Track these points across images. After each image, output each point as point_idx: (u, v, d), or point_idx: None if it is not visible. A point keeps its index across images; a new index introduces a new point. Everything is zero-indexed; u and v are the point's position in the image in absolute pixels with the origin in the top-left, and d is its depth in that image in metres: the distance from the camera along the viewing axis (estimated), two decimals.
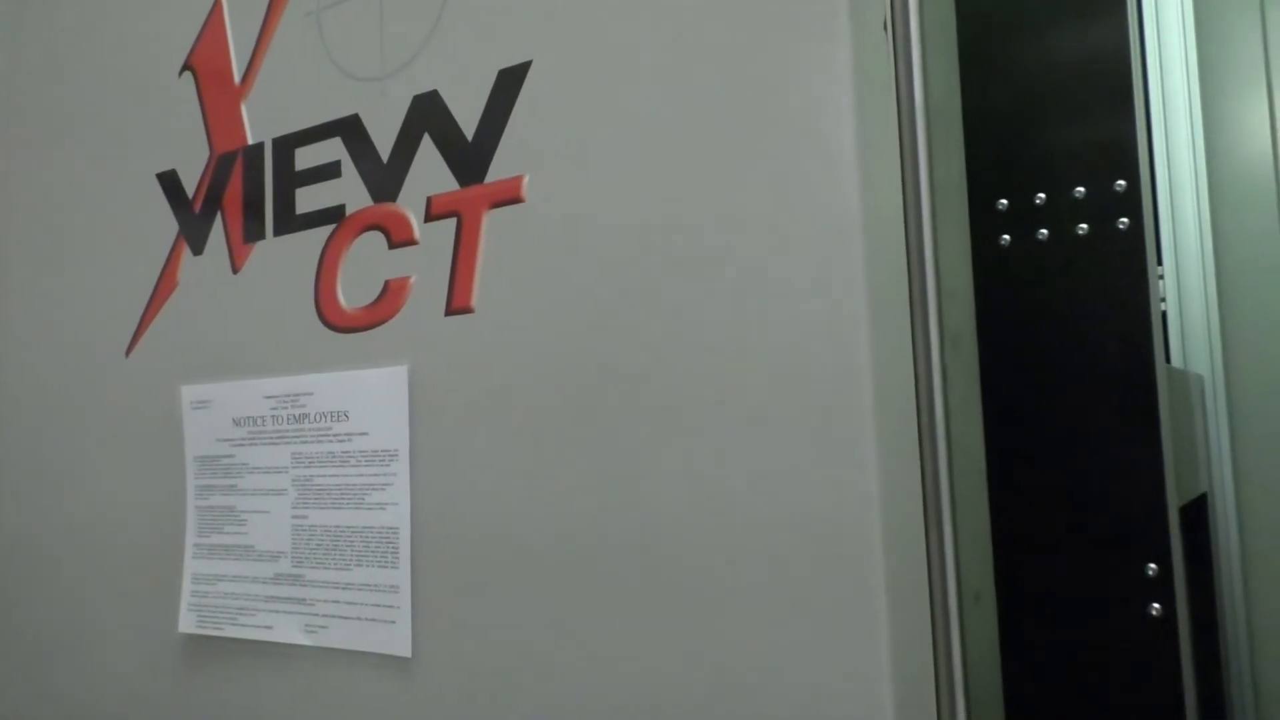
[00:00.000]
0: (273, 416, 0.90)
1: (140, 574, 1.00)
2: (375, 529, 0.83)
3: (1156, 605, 0.88)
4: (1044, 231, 0.94)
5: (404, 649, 0.81)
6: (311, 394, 0.87)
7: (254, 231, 0.93)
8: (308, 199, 0.89)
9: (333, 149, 0.87)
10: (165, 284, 0.99)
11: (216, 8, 0.97)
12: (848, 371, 0.64)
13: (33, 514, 1.10)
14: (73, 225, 1.08)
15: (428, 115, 0.82)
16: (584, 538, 0.72)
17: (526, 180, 0.76)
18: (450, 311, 0.80)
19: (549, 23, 0.76)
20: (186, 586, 0.95)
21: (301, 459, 0.87)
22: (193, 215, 0.97)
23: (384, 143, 0.84)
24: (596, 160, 0.73)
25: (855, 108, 0.65)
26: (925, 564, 0.72)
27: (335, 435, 0.86)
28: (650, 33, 0.72)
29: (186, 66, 0.99)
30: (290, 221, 0.90)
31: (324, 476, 0.86)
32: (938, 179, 0.81)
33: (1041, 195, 0.94)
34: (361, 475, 0.84)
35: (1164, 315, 1.41)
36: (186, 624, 0.95)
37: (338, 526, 0.85)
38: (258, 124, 0.93)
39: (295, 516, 0.88)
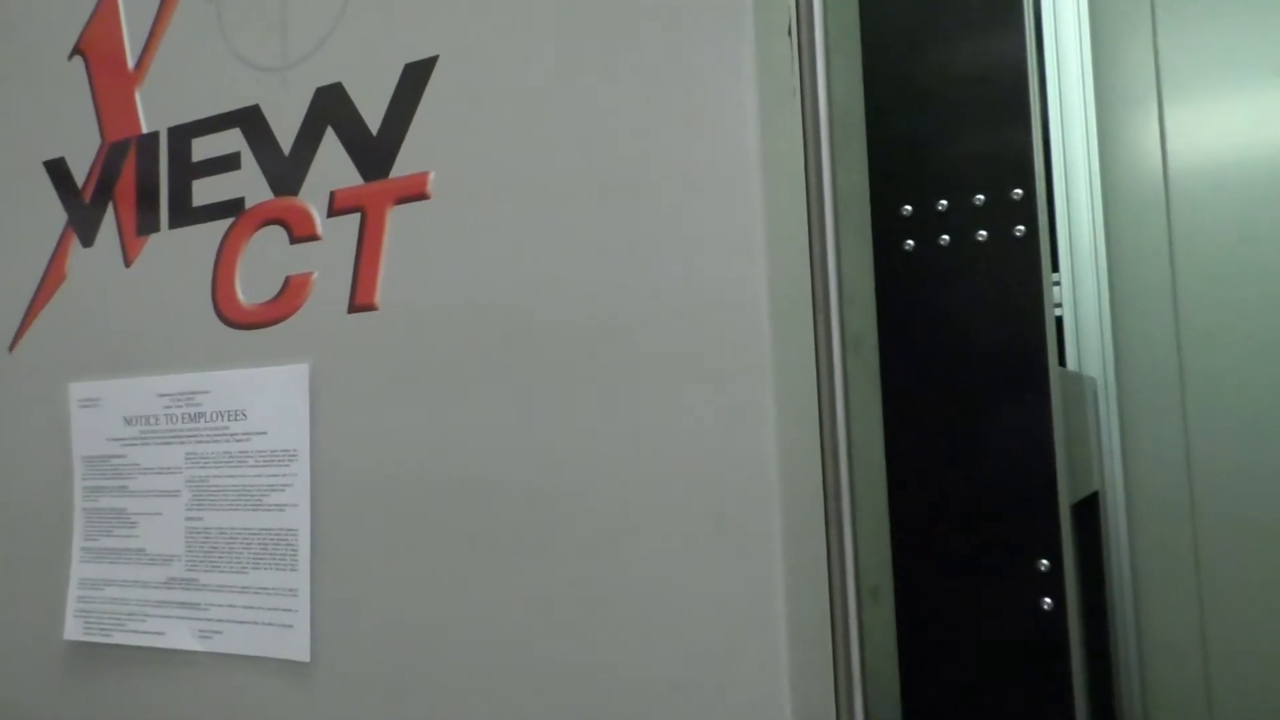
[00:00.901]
0: (166, 415, 0.87)
1: (23, 579, 0.95)
2: (273, 531, 0.81)
3: (1048, 600, 0.91)
4: (945, 237, 0.96)
5: (302, 654, 0.79)
6: (208, 392, 0.85)
7: (148, 223, 0.89)
8: (205, 191, 0.86)
9: (231, 140, 0.85)
10: (52, 276, 0.95)
11: None
12: (749, 373, 0.65)
13: None
14: None
15: (331, 108, 0.80)
16: (484, 537, 0.72)
17: (432, 177, 0.75)
18: (353, 309, 0.78)
19: (456, 18, 0.75)
20: (73, 592, 0.91)
21: (196, 459, 0.85)
22: (82, 205, 0.94)
23: (285, 135, 0.82)
24: (501, 158, 0.73)
25: (759, 112, 0.66)
26: (825, 562, 0.74)
27: (232, 435, 0.83)
28: (556, 33, 0.71)
29: (77, 51, 0.95)
30: (186, 214, 0.87)
31: (220, 477, 0.83)
32: (841, 184, 0.82)
33: (944, 202, 0.96)
34: (260, 476, 0.82)
35: (1059, 320, 1.46)
36: (72, 631, 0.91)
37: (234, 528, 0.82)
38: (152, 112, 0.90)
39: (190, 518, 0.85)
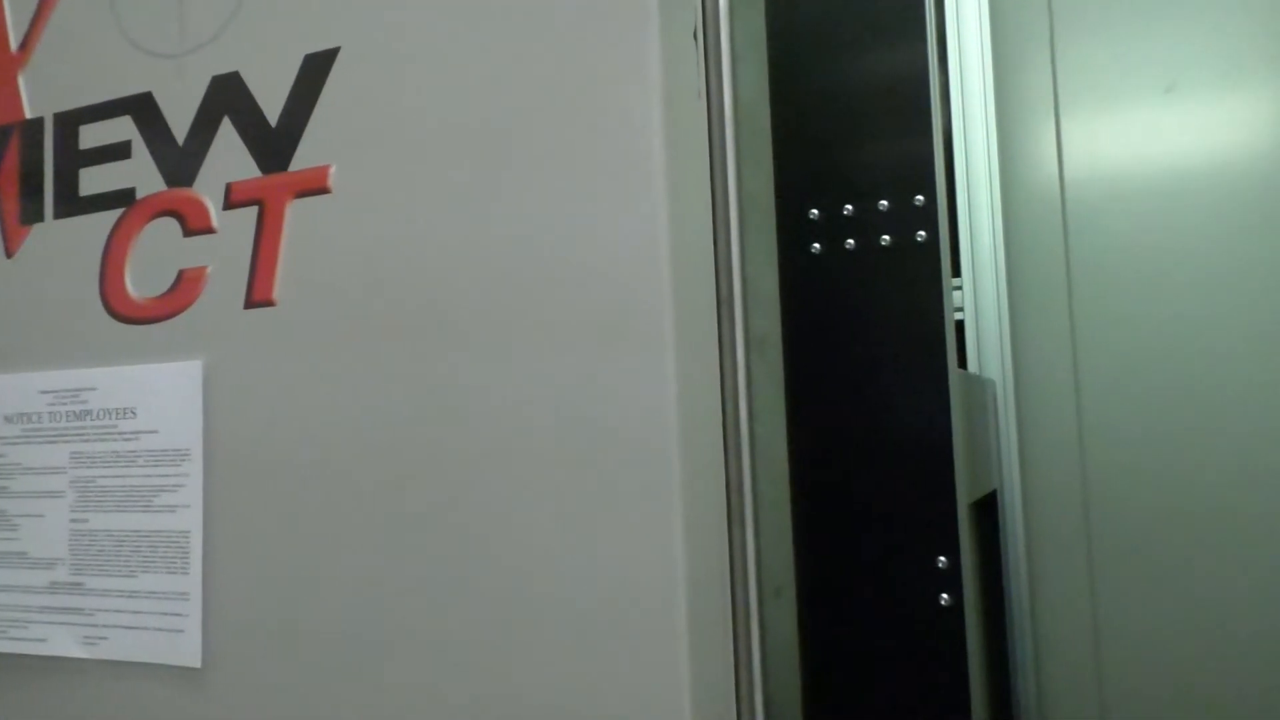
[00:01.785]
0: (50, 413, 0.83)
1: None
2: (164, 533, 0.78)
3: (946, 595, 0.93)
4: (851, 241, 0.98)
5: (193, 659, 0.76)
6: (95, 389, 0.81)
7: (31, 213, 0.85)
8: (93, 180, 0.83)
9: (122, 128, 0.82)
10: None
11: None
12: (652, 373, 0.65)
13: None
14: None
15: (228, 97, 0.78)
16: (389, 541, 0.70)
17: (333, 170, 0.74)
18: (250, 304, 0.76)
19: (359, 10, 0.74)
20: None
21: (82, 459, 0.81)
22: None
23: (180, 124, 0.80)
24: (404, 154, 0.72)
25: (664, 114, 0.66)
26: (728, 561, 0.74)
27: (121, 433, 0.80)
28: (462, 28, 0.71)
29: None
30: (73, 203, 0.84)
31: (108, 478, 0.80)
32: (747, 187, 0.83)
33: (849, 207, 0.98)
34: (150, 476, 0.79)
35: (961, 324, 1.50)
36: None
37: (122, 531, 0.79)
38: (37, 96, 0.86)
39: (74, 520, 0.81)
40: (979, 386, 1.42)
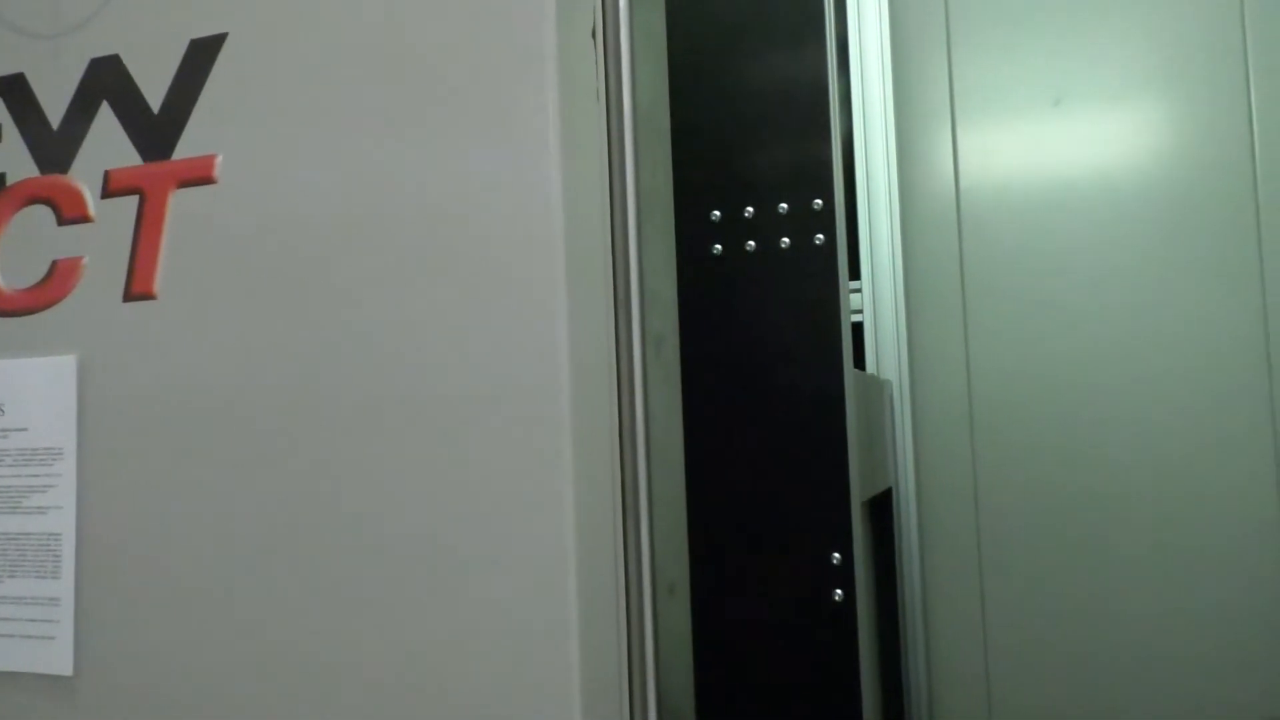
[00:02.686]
0: None
1: None
2: (34, 535, 0.74)
3: (839, 591, 0.95)
4: (751, 243, 1.00)
5: (65, 667, 0.73)
6: None
7: None
8: None
9: None
10: None
11: None
12: (546, 372, 0.65)
13: None
14: None
15: (107, 81, 0.75)
16: (265, 544, 0.69)
17: (219, 160, 0.71)
18: (129, 297, 0.73)
19: None
20: None
21: None
22: None
23: (55, 108, 0.76)
24: (294, 144, 0.70)
25: (560, 112, 0.66)
26: (622, 559, 0.75)
27: None
28: (355, 19, 0.69)
29: None
30: None
31: None
32: (645, 187, 0.84)
33: (750, 209, 1.00)
34: (19, 476, 0.75)
35: (860, 325, 1.54)
36: None
37: None
38: None
39: None
40: (876, 387, 1.45)
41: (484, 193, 0.65)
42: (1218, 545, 1.52)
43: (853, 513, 0.97)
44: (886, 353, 1.52)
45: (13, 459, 0.75)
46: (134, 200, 0.73)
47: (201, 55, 0.72)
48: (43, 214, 0.76)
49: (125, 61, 0.74)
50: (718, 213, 1.01)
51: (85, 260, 0.74)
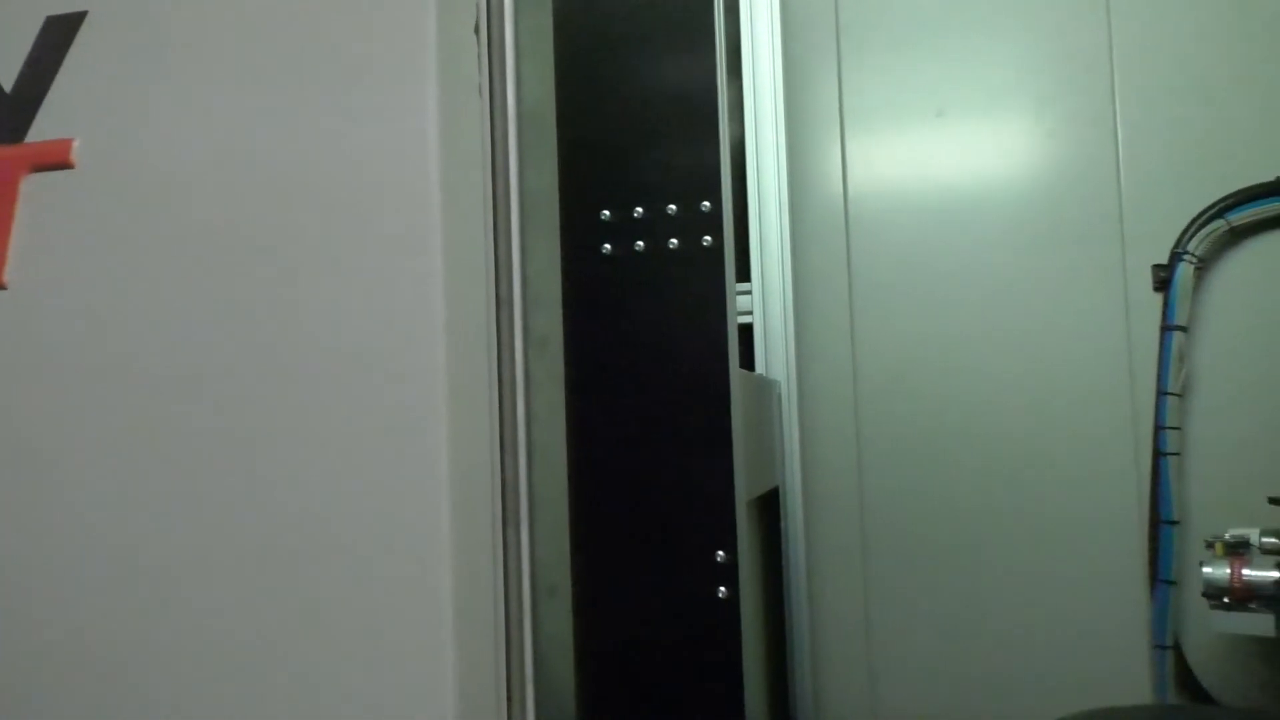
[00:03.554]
0: None
1: None
2: None
3: (723, 589, 0.96)
4: (641, 243, 1.00)
5: None
6: None
7: None
8: None
9: None
10: None
11: None
12: (422, 372, 0.63)
13: None
14: None
15: None
16: (122, 545, 0.65)
17: (77, 144, 0.68)
18: None
19: None
20: None
21: None
22: None
23: None
24: (160, 130, 0.67)
25: (440, 106, 0.65)
26: (501, 562, 0.74)
27: None
28: (227, 3, 0.67)
29: None
30: None
31: None
32: (530, 185, 0.83)
33: (640, 209, 1.00)
34: None
35: (749, 327, 1.56)
36: None
37: None
38: None
39: None
40: (765, 387, 1.48)
41: (358, 188, 0.64)
42: (1083, 542, 1.60)
43: (737, 512, 0.98)
44: (775, 354, 1.55)
45: None
46: None
47: (59, 33, 0.68)
48: None
49: None
50: (607, 212, 1.01)
51: None
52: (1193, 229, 1.55)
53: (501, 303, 0.75)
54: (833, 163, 1.73)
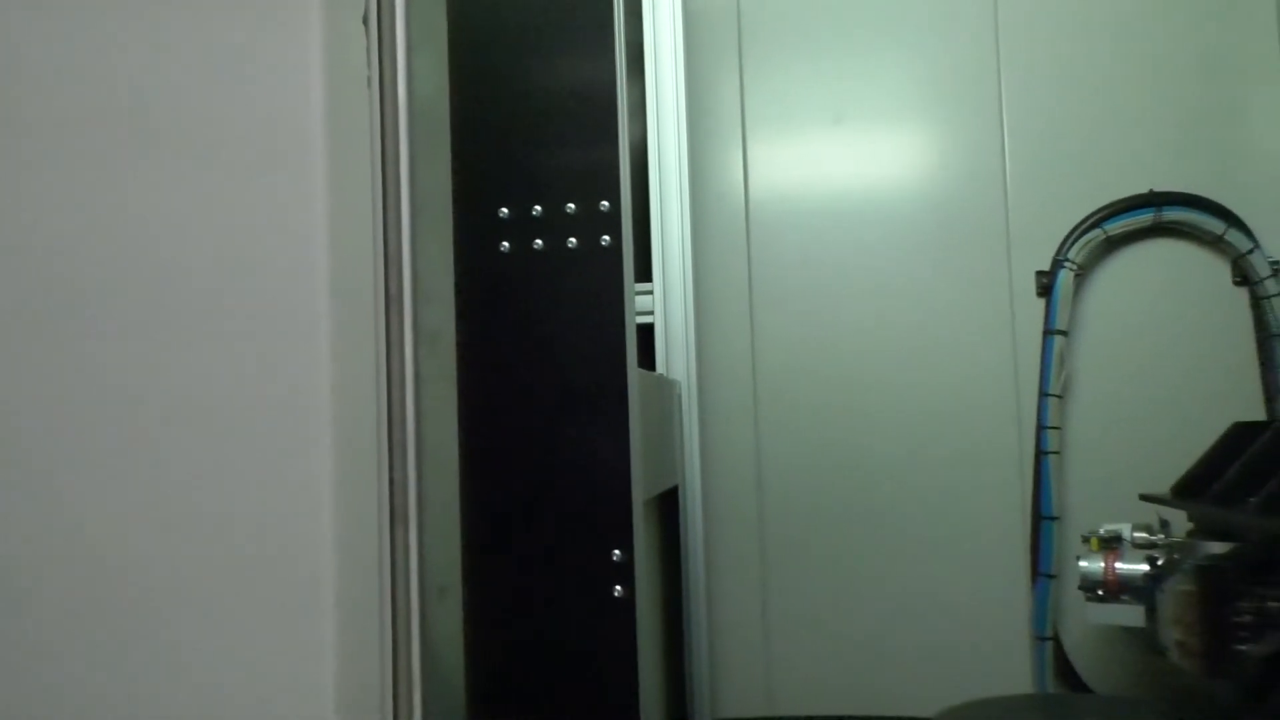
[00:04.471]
0: None
1: None
2: None
3: (619, 588, 0.97)
4: (539, 242, 1.00)
5: None
6: None
7: None
8: None
9: None
10: None
11: None
12: (305, 369, 0.62)
13: None
14: None
15: None
16: (8, 544, 0.62)
17: None
18: None
19: None
20: None
21: None
22: None
23: None
24: (30, 133, 0.64)
25: (326, 99, 0.64)
26: (389, 561, 0.73)
27: None
28: None
29: None
30: None
31: None
32: (423, 181, 0.82)
33: (538, 208, 1.00)
34: None
35: (651, 327, 1.57)
36: None
37: None
38: None
39: None
40: (665, 386, 1.49)
41: (238, 182, 0.62)
42: (970, 536, 1.66)
43: (635, 510, 0.99)
44: (676, 353, 1.56)
45: None
46: None
47: None
48: None
49: None
50: (505, 210, 1.00)
51: None
52: (1073, 237, 1.62)
53: (391, 298, 0.74)
54: (734, 165, 1.75)
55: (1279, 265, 1.57)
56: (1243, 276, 1.59)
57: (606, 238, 0.99)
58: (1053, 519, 1.61)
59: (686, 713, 1.51)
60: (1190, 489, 1.32)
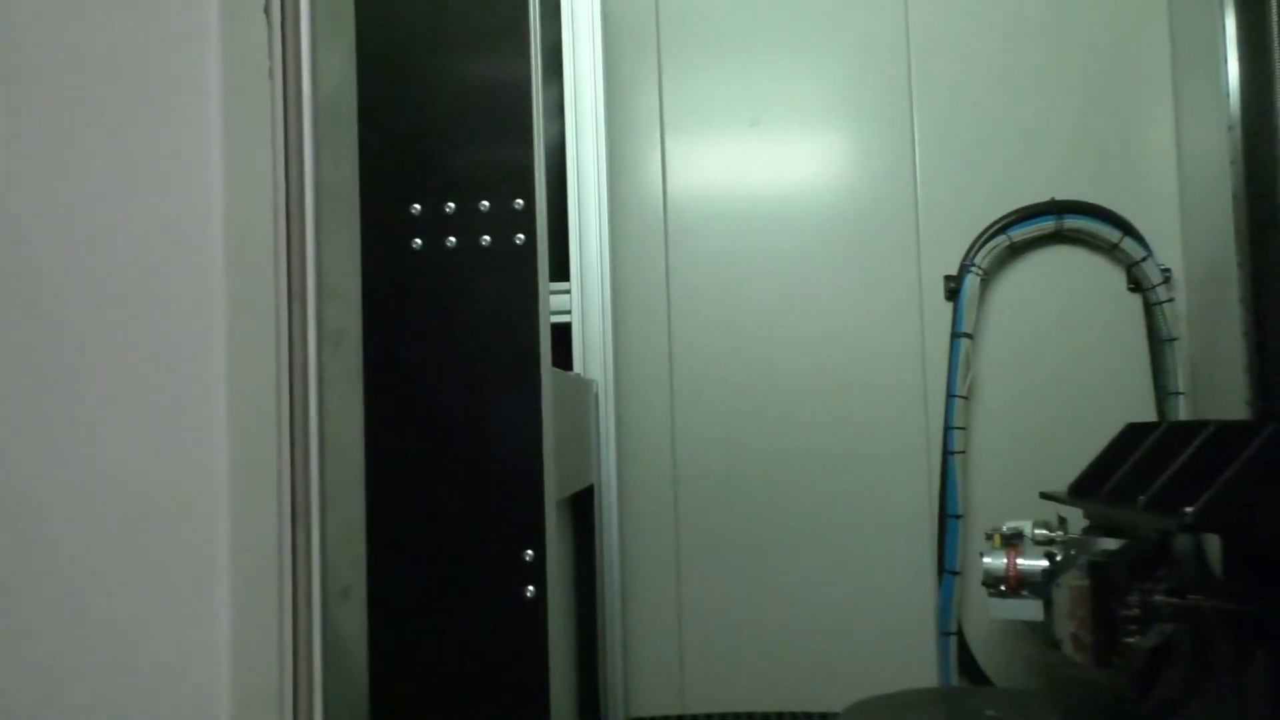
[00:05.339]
0: None
1: None
2: None
3: (531, 588, 0.96)
4: (453, 239, 0.99)
5: None
6: None
7: None
8: None
9: None
10: None
11: None
12: (199, 368, 0.60)
13: None
14: None
15: None
16: None
17: None
18: None
19: None
20: None
21: None
22: None
23: None
24: None
25: (224, 89, 0.62)
26: (290, 562, 0.71)
27: None
28: None
29: None
30: None
31: None
32: (329, 176, 0.81)
33: (452, 205, 0.99)
34: None
35: (568, 326, 1.57)
36: None
37: None
38: None
39: None
40: (581, 386, 1.49)
41: (127, 170, 0.60)
42: (880, 534, 1.70)
43: (546, 510, 0.99)
44: (593, 353, 1.56)
45: None
46: None
47: None
48: None
49: None
50: (418, 206, 0.99)
51: None
52: (979, 243, 1.68)
53: (294, 295, 0.72)
54: (653, 166, 1.76)
55: (1169, 272, 1.64)
56: (1136, 283, 1.66)
57: (521, 236, 0.99)
58: (958, 517, 1.65)
59: (600, 712, 1.51)
60: (1086, 487, 1.37)
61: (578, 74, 1.56)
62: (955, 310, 1.67)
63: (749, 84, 1.75)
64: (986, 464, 1.68)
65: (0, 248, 0.60)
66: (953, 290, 1.69)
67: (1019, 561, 1.41)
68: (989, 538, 1.46)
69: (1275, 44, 1.35)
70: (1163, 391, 1.63)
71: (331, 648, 0.76)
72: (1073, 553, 1.32)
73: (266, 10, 0.68)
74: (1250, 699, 1.07)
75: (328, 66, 0.79)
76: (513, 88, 1.00)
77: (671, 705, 1.69)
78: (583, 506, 1.51)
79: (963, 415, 1.67)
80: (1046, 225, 1.66)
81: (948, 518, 1.66)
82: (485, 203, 1.00)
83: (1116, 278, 1.68)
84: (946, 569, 1.65)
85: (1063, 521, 1.43)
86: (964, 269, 1.68)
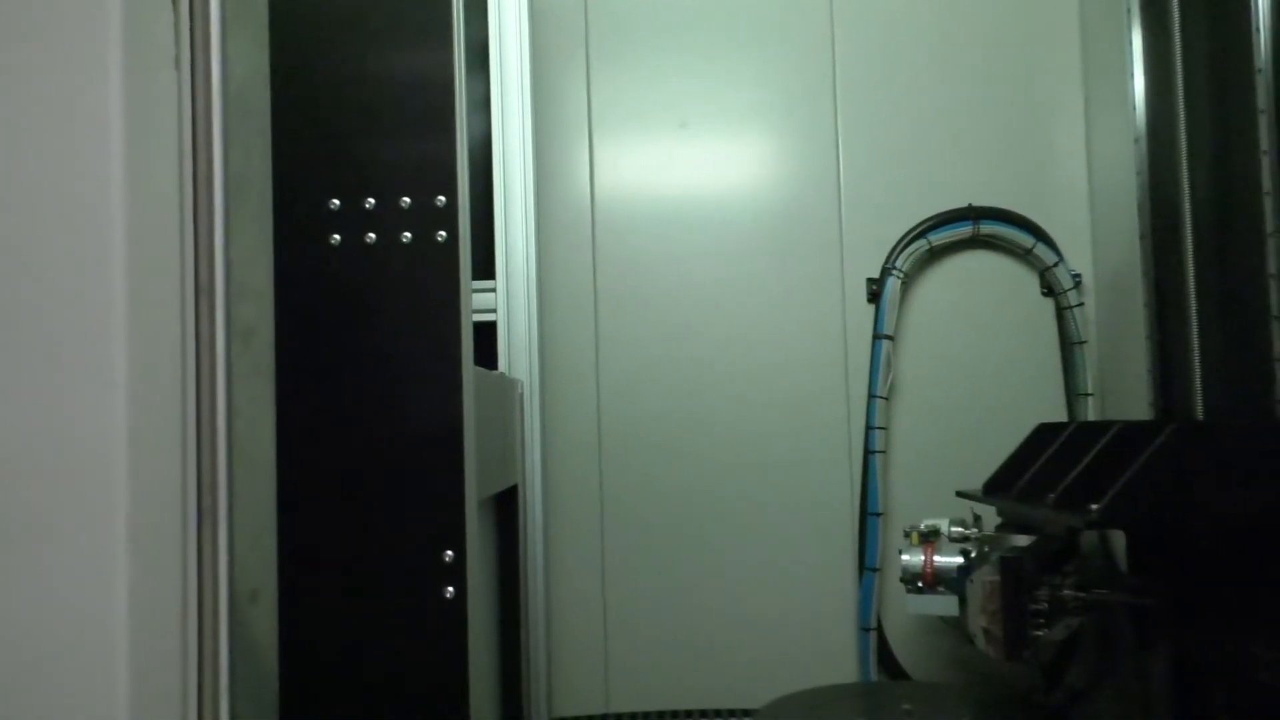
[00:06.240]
0: None
1: None
2: None
3: (451, 588, 0.95)
4: (372, 235, 0.97)
5: None
6: None
7: None
8: None
9: None
10: None
11: None
12: (96, 364, 0.58)
13: None
14: None
15: None
16: None
17: None
18: None
19: None
20: None
21: None
22: None
23: None
24: None
25: (126, 79, 0.60)
26: (195, 564, 0.69)
27: None
28: None
29: None
30: None
31: None
32: (239, 169, 0.79)
33: (372, 200, 0.97)
34: None
35: (493, 325, 1.56)
36: None
37: None
38: None
39: None
40: (506, 385, 1.48)
41: (35, 170, 0.58)
42: (802, 532, 1.72)
43: (467, 511, 0.98)
44: (519, 352, 1.55)
45: None
46: None
47: None
48: None
49: None
50: (337, 201, 0.97)
51: None
52: (900, 247, 1.71)
53: (201, 291, 0.70)
54: (581, 165, 1.76)
55: (1080, 278, 1.70)
56: (1049, 288, 1.71)
57: (443, 233, 0.98)
58: (878, 515, 1.69)
59: (524, 713, 1.50)
60: (999, 485, 1.41)
61: (504, 69, 1.55)
62: (877, 312, 1.71)
63: (679, 85, 1.76)
64: (906, 463, 1.72)
65: None
66: (874, 292, 1.72)
67: (936, 558, 1.44)
68: (907, 535, 1.49)
69: (1178, 61, 1.41)
70: (1072, 393, 1.68)
71: (239, 653, 0.75)
72: (986, 549, 1.35)
73: None
74: (1152, 688, 1.11)
75: (238, 55, 0.77)
76: (435, 81, 0.99)
77: (596, 705, 1.70)
78: (507, 506, 1.50)
79: (883, 415, 1.70)
80: (964, 230, 1.70)
81: (868, 516, 1.69)
82: (406, 199, 0.99)
83: (1030, 282, 1.73)
84: (867, 566, 1.68)
85: (978, 519, 1.47)
86: (885, 272, 1.71)
